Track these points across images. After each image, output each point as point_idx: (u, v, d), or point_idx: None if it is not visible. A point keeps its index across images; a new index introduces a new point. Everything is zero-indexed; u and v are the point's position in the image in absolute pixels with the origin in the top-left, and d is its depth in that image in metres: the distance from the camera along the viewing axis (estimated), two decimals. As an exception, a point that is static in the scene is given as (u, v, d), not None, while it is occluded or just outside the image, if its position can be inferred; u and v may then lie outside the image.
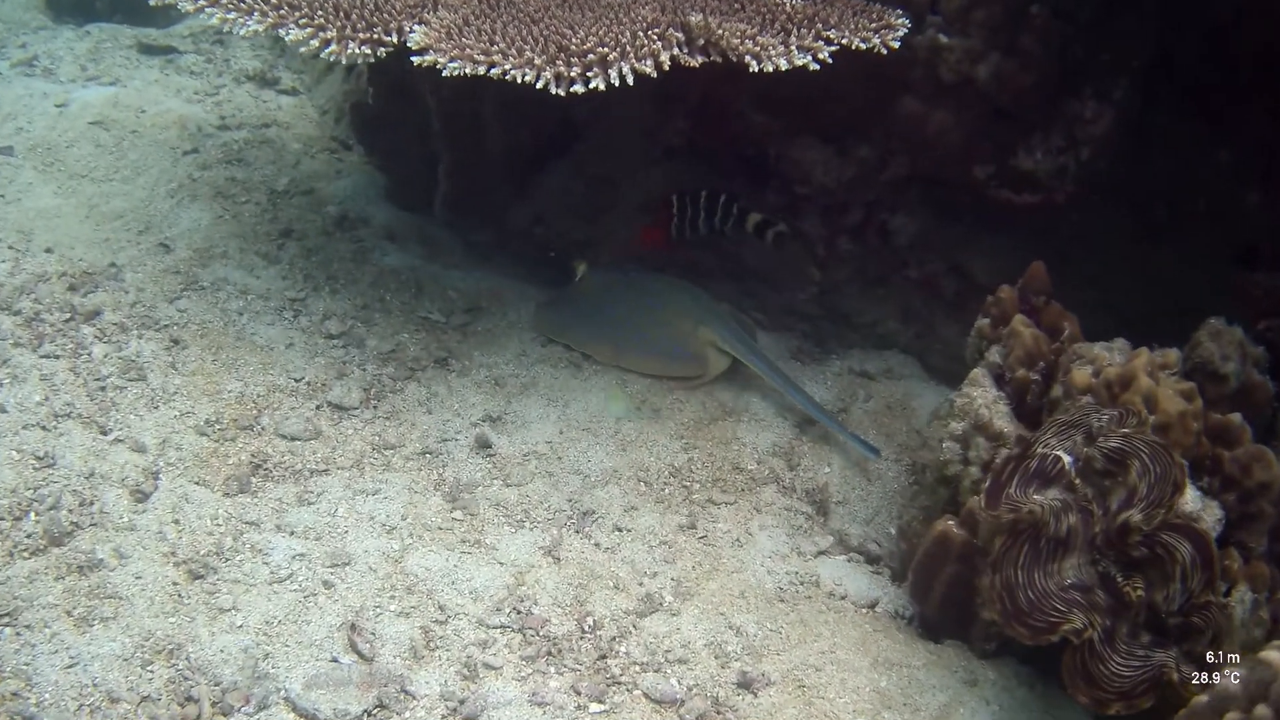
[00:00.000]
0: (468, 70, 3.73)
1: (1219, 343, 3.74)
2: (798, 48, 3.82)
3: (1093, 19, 4.39)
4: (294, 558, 3.66)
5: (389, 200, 5.95)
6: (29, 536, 3.54)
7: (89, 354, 4.35)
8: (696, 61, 3.81)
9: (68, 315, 4.50)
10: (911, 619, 3.89)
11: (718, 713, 3.32)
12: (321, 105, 7.02)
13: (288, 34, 3.95)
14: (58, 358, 4.30)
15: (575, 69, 3.69)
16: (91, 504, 3.72)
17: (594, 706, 3.27)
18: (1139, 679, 3.13)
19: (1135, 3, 4.42)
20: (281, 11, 4.01)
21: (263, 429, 4.21)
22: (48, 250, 4.89)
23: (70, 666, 3.17)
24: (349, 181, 6.06)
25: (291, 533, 3.78)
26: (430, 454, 4.25)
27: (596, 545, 3.93)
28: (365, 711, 3.17)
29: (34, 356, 4.27)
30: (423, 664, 3.35)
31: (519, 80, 3.68)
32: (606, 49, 3.69)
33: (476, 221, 5.76)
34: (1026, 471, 3.35)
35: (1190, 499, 3.36)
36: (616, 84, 3.65)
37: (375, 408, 4.43)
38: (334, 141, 6.58)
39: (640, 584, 3.76)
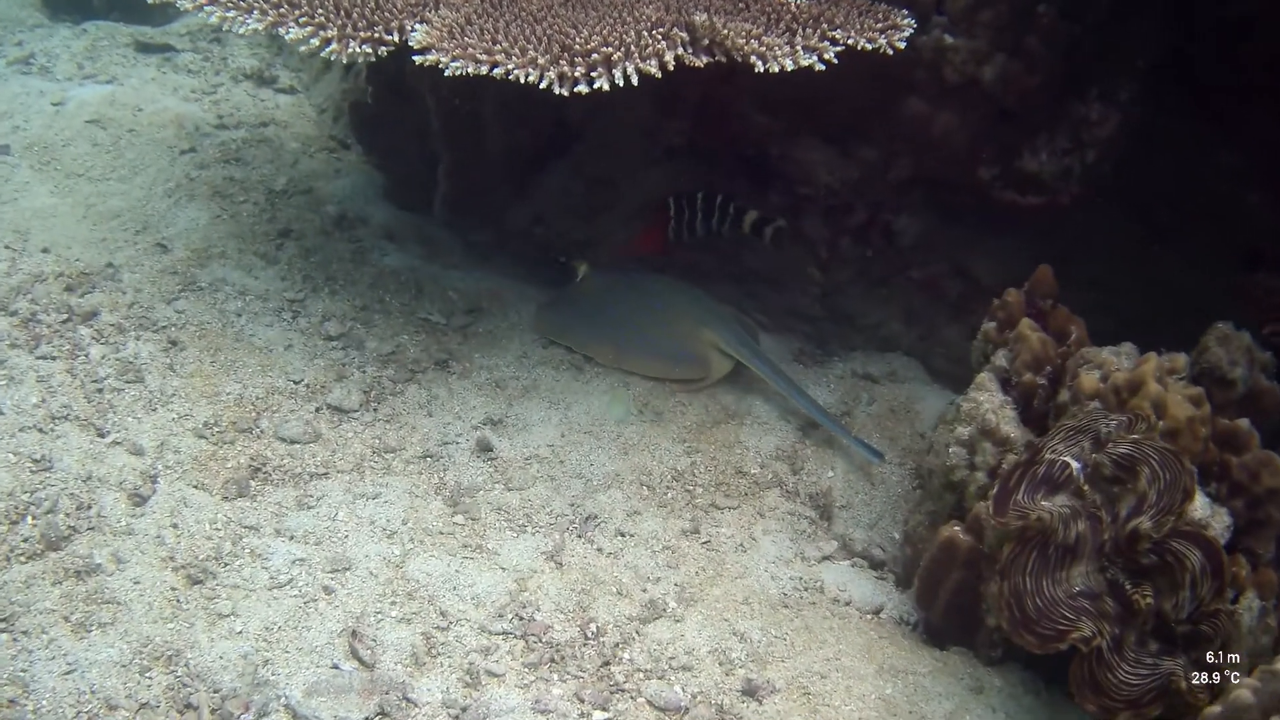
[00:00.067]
0: (470, 70, 3.69)
1: (1227, 348, 3.72)
2: (803, 48, 3.79)
3: (1099, 20, 4.36)
4: (294, 563, 3.63)
5: (388, 200, 5.91)
6: (26, 540, 3.50)
7: (86, 355, 4.30)
8: (701, 62, 3.77)
9: (65, 316, 4.46)
10: (916, 625, 3.87)
11: (722, 720, 3.30)
12: (319, 104, 6.97)
13: (288, 33, 3.91)
14: (54, 359, 4.26)
15: (579, 69, 3.65)
16: (89, 508, 3.68)
17: (597, 714, 3.24)
18: (1147, 687, 3.11)
19: (1142, 4, 4.39)
20: (281, 10, 3.97)
21: (262, 432, 4.18)
22: (44, 250, 4.84)
23: (68, 673, 3.13)
24: (347, 181, 6.01)
25: (291, 537, 3.74)
26: (431, 457, 4.21)
27: (599, 550, 3.89)
28: (366, 719, 3.13)
29: (30, 358, 4.23)
30: (424, 671, 3.31)
31: (522, 80, 3.64)
32: (611, 49, 3.65)
33: (476, 221, 5.72)
34: (1034, 477, 3.32)
35: (1199, 506, 3.34)
36: (621, 84, 3.62)
37: (375, 410, 4.39)
38: (332, 140, 6.53)
39: (643, 590, 3.73)
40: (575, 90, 3.64)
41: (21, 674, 3.10)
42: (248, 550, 3.65)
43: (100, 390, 4.16)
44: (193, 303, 4.72)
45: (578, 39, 3.70)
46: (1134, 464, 3.20)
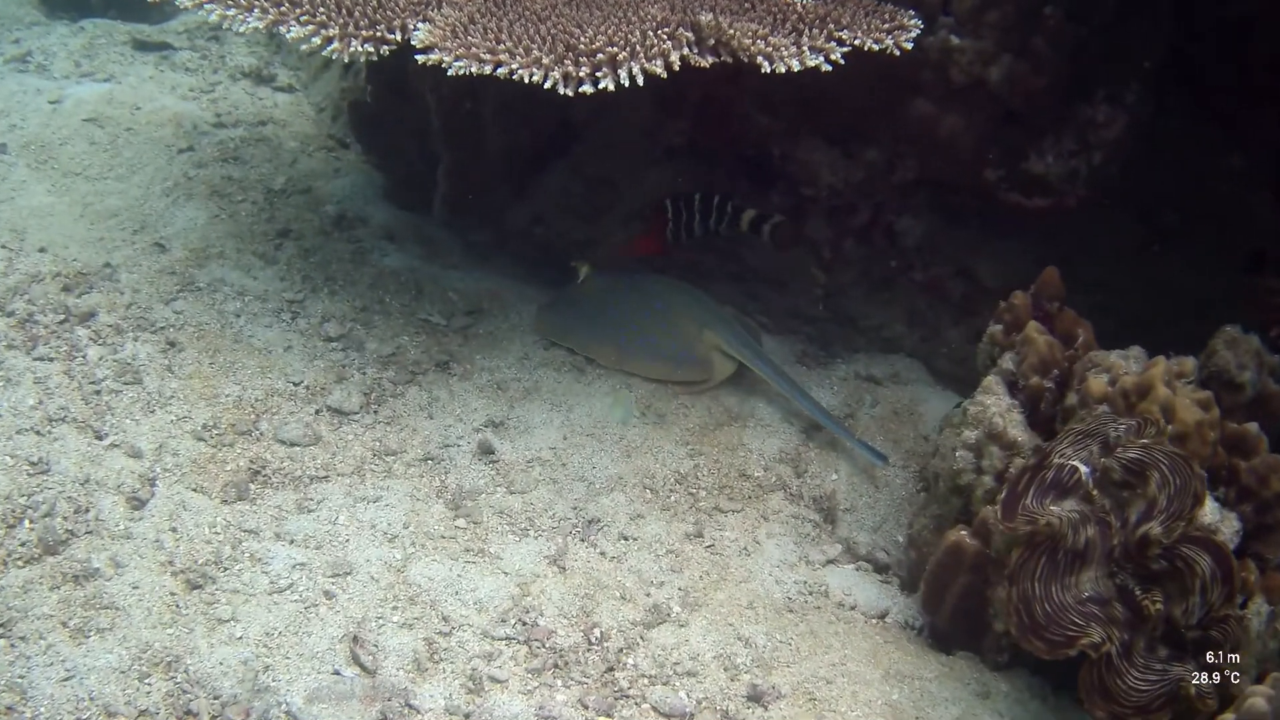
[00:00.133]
0: (474, 70, 3.65)
1: (1235, 351, 3.69)
2: (810, 48, 3.76)
3: (1105, 22, 4.33)
4: (294, 567, 3.59)
5: (387, 200, 5.88)
6: (23, 545, 3.46)
7: (84, 356, 4.26)
8: (707, 62, 3.74)
9: (62, 317, 4.41)
10: (922, 629, 3.84)
11: (728, 727, 3.28)
12: (318, 103, 6.94)
13: (289, 31, 3.87)
14: (52, 360, 4.21)
15: (584, 69, 3.62)
16: (87, 511, 3.64)
17: (602, 721, 3.22)
18: (1156, 693, 3.09)
19: (1148, 5, 4.37)
20: (282, 8, 3.93)
21: (261, 434, 4.14)
22: (41, 250, 4.80)
23: (66, 679, 3.09)
24: (347, 180, 5.98)
25: (291, 541, 3.70)
26: (432, 460, 4.18)
27: (602, 554, 3.86)
28: (368, 726, 3.11)
29: (28, 359, 4.19)
30: (427, 677, 3.28)
31: (526, 80, 3.61)
32: (616, 49, 3.62)
33: (475, 221, 5.69)
34: (1043, 482, 3.29)
35: (1209, 510, 3.31)
36: (626, 84, 3.58)
37: (376, 412, 4.36)
38: (331, 140, 6.50)
39: (647, 594, 3.70)
40: (580, 90, 3.61)
41: (19, 680, 3.06)
42: (247, 554, 3.61)
43: (98, 392, 4.13)
44: (191, 303, 4.68)
45: (582, 39, 3.66)
46: (1144, 469, 3.17)
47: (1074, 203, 4.60)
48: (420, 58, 3.74)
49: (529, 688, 3.28)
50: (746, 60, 3.74)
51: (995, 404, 3.73)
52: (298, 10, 3.91)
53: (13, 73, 6.58)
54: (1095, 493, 3.23)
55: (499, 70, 3.65)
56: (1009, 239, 4.94)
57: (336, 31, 3.85)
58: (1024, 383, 3.78)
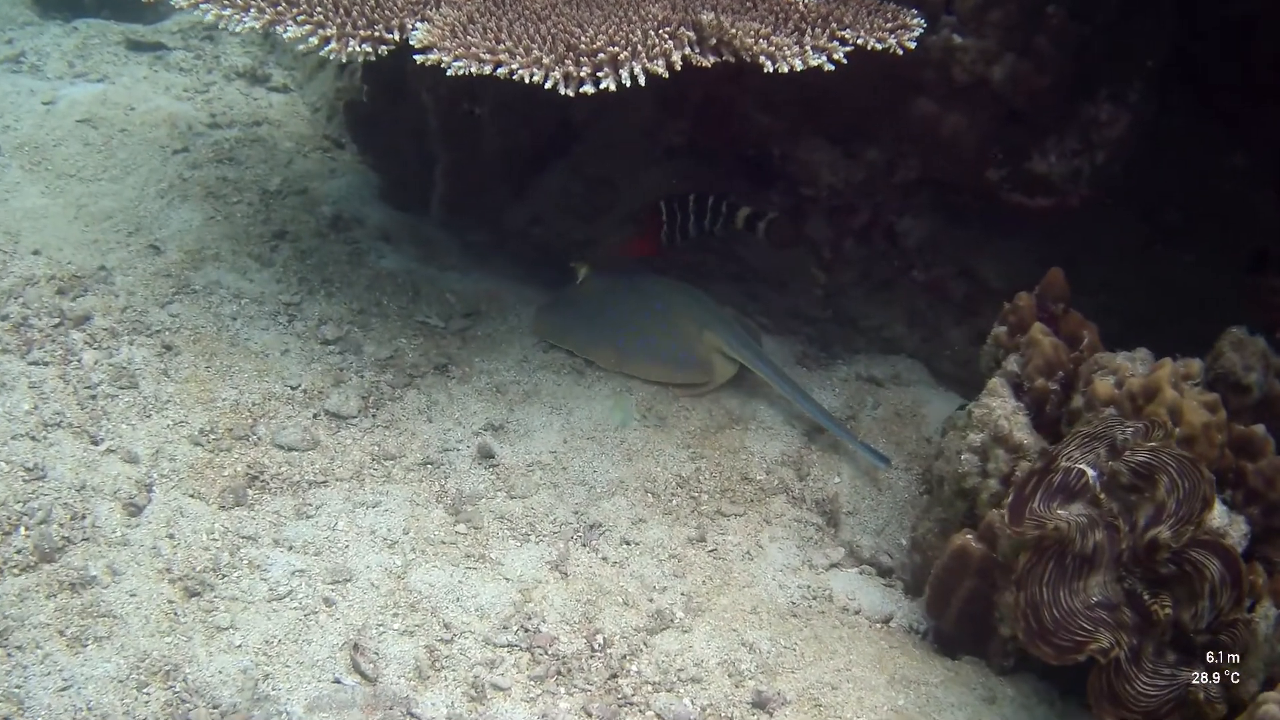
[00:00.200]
0: (473, 70, 3.62)
1: (1242, 353, 3.67)
2: (812, 48, 3.72)
3: (1109, 20, 4.30)
4: (293, 574, 3.55)
5: (383, 200, 5.83)
6: (19, 552, 3.42)
7: (79, 361, 4.22)
8: (709, 61, 3.71)
9: (56, 320, 4.36)
10: (926, 634, 3.81)
11: (733, 734, 3.24)
12: (313, 103, 6.89)
13: (286, 31, 3.83)
14: (47, 364, 4.17)
15: (585, 69, 3.58)
16: (83, 518, 3.60)
17: (606, 729, 3.18)
18: (1165, 698, 3.07)
19: (1151, 4, 4.34)
20: (279, 8, 3.89)
21: (259, 439, 4.10)
22: (35, 252, 4.75)
23: (63, 689, 3.05)
24: (343, 181, 5.93)
25: (290, 547, 3.67)
26: (431, 464, 4.14)
27: (604, 559, 3.83)
28: (370, 735, 3.07)
29: (22, 363, 4.14)
30: (428, 685, 3.24)
31: (527, 81, 3.57)
32: (617, 48, 3.58)
33: (473, 222, 5.65)
34: (1050, 486, 3.26)
35: (1217, 514, 3.28)
36: (628, 84, 3.55)
37: (374, 416, 4.32)
38: (326, 140, 6.45)
39: (650, 600, 3.66)
40: (581, 91, 3.57)
41: (16, 691, 3.02)
42: (246, 561, 3.57)
43: (93, 396, 4.08)
44: (187, 306, 4.64)
45: (583, 38, 3.63)
46: (1152, 472, 3.15)
47: (1077, 202, 4.58)
48: (419, 58, 3.71)
49: (532, 695, 3.25)
50: (749, 60, 3.70)
51: (1000, 406, 3.70)
52: (295, 10, 3.87)
53: (6, 73, 6.52)
54: (1103, 496, 3.20)
55: (499, 70, 3.62)
56: (1011, 239, 4.91)
57: (334, 31, 3.81)
58: (1029, 385, 3.75)
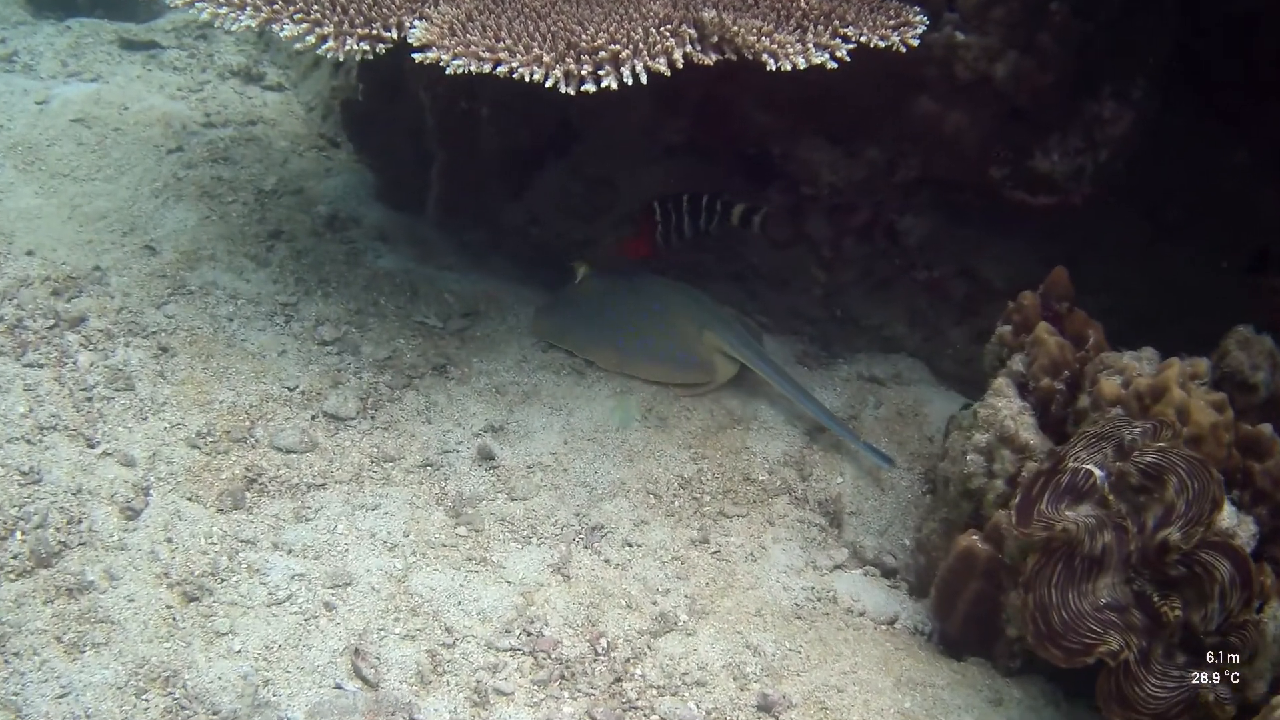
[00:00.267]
0: (472, 68, 3.58)
1: (1248, 352, 3.65)
2: (815, 45, 3.69)
3: (1112, 17, 4.28)
4: (293, 578, 3.51)
5: (380, 200, 5.79)
6: (15, 557, 3.37)
7: (74, 363, 4.17)
8: (710, 59, 3.67)
9: (51, 322, 4.32)
10: (931, 635, 3.78)
11: (739, 739, 3.21)
12: (308, 101, 6.84)
13: (282, 30, 3.79)
14: (42, 367, 4.12)
15: (586, 67, 3.55)
16: (80, 522, 3.56)
17: (611, 734, 3.15)
18: (1174, 700, 3.04)
19: (1154, 1, 4.31)
20: (275, 6, 3.85)
21: (256, 441, 4.06)
22: (29, 253, 4.70)
23: (61, 696, 3.01)
24: (338, 180, 5.89)
25: (289, 551, 3.63)
26: (431, 466, 4.10)
27: (607, 562, 3.79)
28: (372, 742, 3.03)
29: (17, 365, 4.09)
30: (430, 690, 3.20)
31: (527, 79, 3.54)
32: (618, 46, 3.55)
33: (470, 222, 5.61)
34: (1058, 487, 3.24)
35: (1226, 515, 3.26)
36: (630, 83, 3.51)
37: (373, 418, 4.28)
38: (322, 139, 6.41)
39: (653, 602, 3.63)
40: (582, 89, 3.53)
41: (14, 698, 2.98)
42: (245, 565, 3.53)
43: (89, 399, 4.04)
44: (183, 307, 4.60)
45: (584, 36, 3.60)
46: (1161, 473, 3.12)
47: (1079, 201, 4.55)
48: (417, 56, 3.67)
49: (535, 700, 3.21)
50: (751, 58, 3.67)
51: (1006, 407, 3.67)
52: (291, 8, 3.83)
53: (-2, 72, 6.49)
54: (1111, 497, 3.17)
55: (499, 69, 3.58)
56: (1012, 238, 4.88)
57: (331, 30, 3.78)
58: (1034, 384, 3.73)
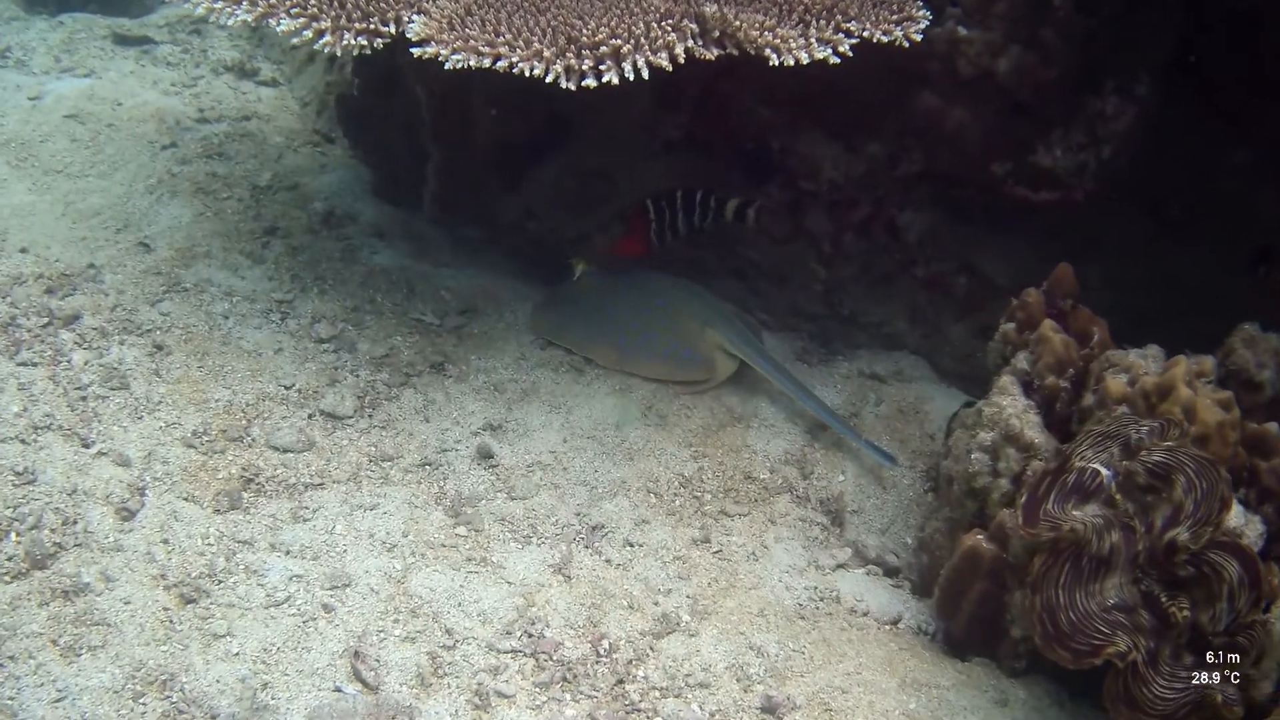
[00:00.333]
0: (472, 63, 3.54)
1: (1254, 350, 3.62)
2: (818, 40, 3.66)
3: (1115, 12, 4.25)
4: (291, 579, 3.47)
5: (375, 196, 5.75)
6: (10, 559, 3.33)
7: (68, 361, 4.12)
8: (712, 54, 3.64)
9: (45, 320, 4.27)
10: (935, 634, 3.75)
11: (743, 741, 3.18)
12: (302, 97, 6.80)
13: (279, 25, 3.75)
14: (36, 365, 4.08)
15: (587, 62, 3.51)
16: (75, 523, 3.51)
17: (614, 737, 3.11)
18: (1182, 701, 3.01)
19: (1152, -4, 4.30)
20: (272, 1, 3.80)
21: (253, 440, 4.01)
22: (23, 250, 4.65)
23: (58, 700, 2.97)
24: (334, 176, 5.84)
25: (287, 552, 3.58)
26: (430, 465, 4.06)
27: (608, 562, 3.76)
28: (373, 745, 2.99)
29: (11, 364, 4.05)
30: (431, 693, 3.17)
31: (527, 74, 3.50)
32: (619, 40, 3.51)
33: (467, 217, 5.57)
34: (1064, 486, 3.21)
35: (1234, 514, 3.23)
36: (631, 78, 3.48)
37: (370, 416, 4.24)
38: (316, 134, 6.37)
39: (655, 603, 3.60)
40: (583, 84, 3.49)
41: (9, 702, 2.93)
42: (242, 566, 3.49)
43: (84, 398, 3.99)
44: (178, 304, 4.55)
45: (585, 31, 3.55)
46: (1169, 472, 3.09)
47: (1081, 196, 4.52)
48: (416, 51, 3.63)
49: (537, 702, 3.18)
50: (754, 53, 3.64)
51: (1011, 405, 3.64)
52: (288, 2, 3.79)
53: (-10, 68, 6.44)
54: (1118, 497, 3.14)
55: (499, 64, 3.54)
56: (1013, 234, 4.85)
57: (329, 24, 3.74)
58: (1039, 382, 3.70)
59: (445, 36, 3.63)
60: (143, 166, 5.49)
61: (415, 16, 3.73)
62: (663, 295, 4.85)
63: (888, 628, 3.74)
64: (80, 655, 3.10)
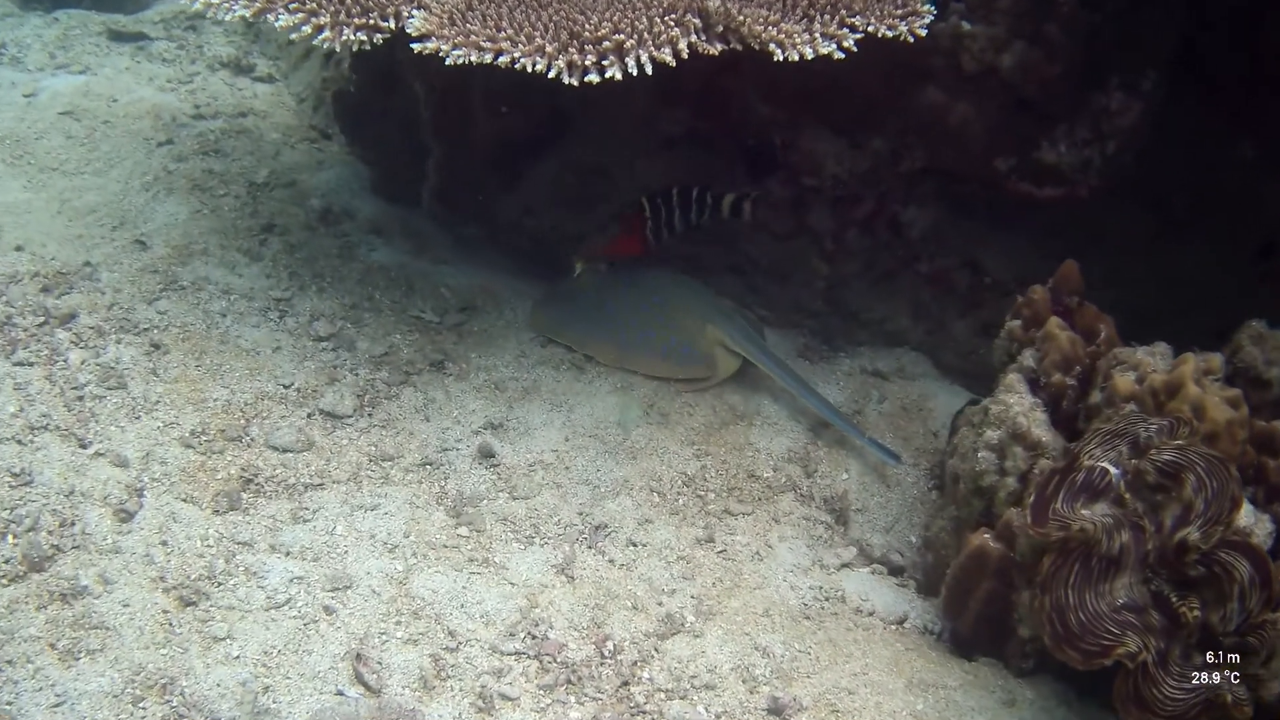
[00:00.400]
0: (473, 59, 3.50)
1: (1262, 347, 3.60)
2: (822, 35, 3.62)
3: (1119, 8, 4.22)
4: (291, 581, 3.43)
5: (373, 192, 5.72)
6: (7, 562, 3.28)
7: (65, 361, 4.08)
8: (716, 49, 3.60)
9: (41, 319, 4.22)
10: (941, 634, 3.72)
11: (750, 743, 3.15)
12: (299, 93, 6.76)
13: (278, 20, 3.71)
14: (32, 365, 4.03)
15: (589, 57, 3.47)
16: (73, 525, 3.47)
17: (619, 739, 3.08)
18: (1192, 702, 2.98)
19: (1156, -8, 4.27)
20: (270, -4, 3.76)
21: (252, 440, 3.97)
22: (18, 248, 4.60)
23: (56, 705, 2.93)
24: (331, 173, 5.80)
25: (287, 553, 3.55)
26: (431, 465, 4.02)
27: (611, 562, 3.72)
28: (376, 749, 2.96)
29: (6, 364, 4.00)
30: (434, 696, 3.14)
31: (529, 70, 3.46)
32: (622, 36, 3.47)
33: (466, 214, 5.54)
34: (1073, 485, 3.18)
35: (1244, 513, 3.20)
36: (634, 73, 3.44)
37: (370, 415, 4.20)
38: (313, 131, 6.32)
39: (659, 603, 3.56)
40: (585, 80, 3.46)
41: (8, 707, 2.89)
42: (242, 568, 3.45)
43: (81, 398, 3.95)
44: (175, 303, 4.50)
45: (587, 26, 3.52)
46: (1179, 471, 3.06)
47: (1085, 193, 4.49)
48: (416, 46, 3.59)
49: (542, 705, 3.14)
50: (757, 48, 3.60)
51: (1018, 403, 3.61)
52: (286, -3, 3.75)
53: (-15, 65, 6.39)
54: (1128, 496, 3.12)
55: (500, 59, 3.51)
56: (1016, 231, 4.83)
57: (328, 20, 3.69)
58: (1046, 380, 3.67)
59: (446, 32, 3.59)
60: (139, 163, 5.45)
61: (415, 11, 3.69)
62: (662, 292, 4.82)
63: (894, 627, 3.71)
64: (79, 659, 3.07)
